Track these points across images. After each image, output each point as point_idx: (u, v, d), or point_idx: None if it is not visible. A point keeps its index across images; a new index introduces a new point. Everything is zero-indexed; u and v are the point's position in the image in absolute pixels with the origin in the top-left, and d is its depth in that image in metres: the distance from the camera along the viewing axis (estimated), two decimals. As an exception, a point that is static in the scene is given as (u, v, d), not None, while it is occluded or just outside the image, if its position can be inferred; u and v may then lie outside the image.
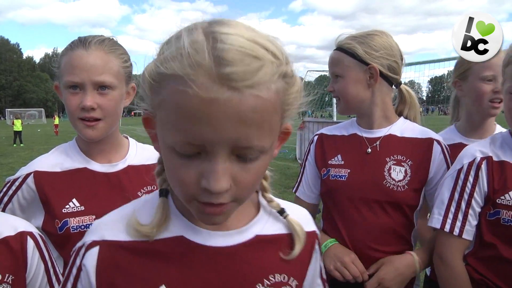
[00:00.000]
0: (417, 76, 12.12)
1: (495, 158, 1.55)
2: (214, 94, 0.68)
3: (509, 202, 1.47)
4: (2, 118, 55.48)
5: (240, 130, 0.70)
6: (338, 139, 1.88)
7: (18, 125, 22.87)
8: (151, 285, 0.87)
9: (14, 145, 21.89)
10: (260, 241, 0.93)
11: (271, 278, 0.92)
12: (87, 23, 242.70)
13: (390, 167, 1.70)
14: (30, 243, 1.23)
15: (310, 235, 1.01)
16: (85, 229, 1.44)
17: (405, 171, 1.69)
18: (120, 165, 1.62)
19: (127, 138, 1.75)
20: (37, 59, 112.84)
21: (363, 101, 1.76)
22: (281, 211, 0.98)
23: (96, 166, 1.59)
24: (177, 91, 0.71)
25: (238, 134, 0.71)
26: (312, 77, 14.83)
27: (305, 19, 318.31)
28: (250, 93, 0.70)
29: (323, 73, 14.54)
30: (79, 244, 0.93)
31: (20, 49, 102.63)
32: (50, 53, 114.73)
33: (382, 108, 1.77)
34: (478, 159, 1.56)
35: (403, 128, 1.78)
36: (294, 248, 0.95)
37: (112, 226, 0.92)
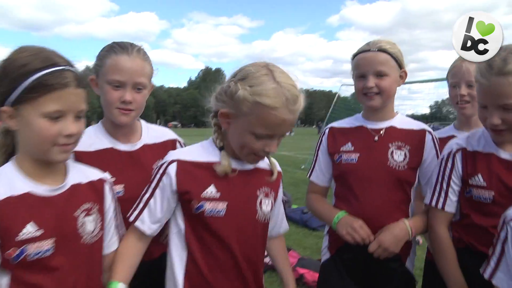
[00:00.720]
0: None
1: (469, 149, 1.99)
2: (287, 116, 1.59)
3: (478, 183, 1.92)
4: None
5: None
6: (347, 130, 2.31)
7: None
8: (205, 184, 1.70)
9: None
10: (261, 170, 1.85)
11: (264, 187, 1.83)
12: (127, 37, 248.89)
13: (392, 151, 2.14)
14: (107, 186, 1.70)
15: (279, 173, 1.94)
16: (117, 195, 1.81)
17: (405, 154, 2.14)
18: (138, 145, 2.05)
19: (139, 120, 2.13)
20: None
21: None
22: (268, 157, 1.87)
23: (121, 146, 2.01)
24: (268, 113, 1.55)
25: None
26: (348, 92, 14.58)
27: (342, 34, 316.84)
28: (296, 116, 1.65)
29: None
30: (161, 162, 1.74)
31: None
32: (91, 67, 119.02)
33: (392, 104, 2.26)
34: (454, 150, 2.02)
35: (401, 121, 2.25)
36: (272, 175, 1.87)
37: (183, 153, 1.81)
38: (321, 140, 2.38)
